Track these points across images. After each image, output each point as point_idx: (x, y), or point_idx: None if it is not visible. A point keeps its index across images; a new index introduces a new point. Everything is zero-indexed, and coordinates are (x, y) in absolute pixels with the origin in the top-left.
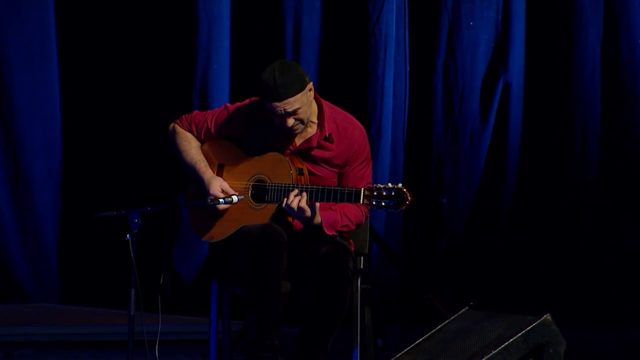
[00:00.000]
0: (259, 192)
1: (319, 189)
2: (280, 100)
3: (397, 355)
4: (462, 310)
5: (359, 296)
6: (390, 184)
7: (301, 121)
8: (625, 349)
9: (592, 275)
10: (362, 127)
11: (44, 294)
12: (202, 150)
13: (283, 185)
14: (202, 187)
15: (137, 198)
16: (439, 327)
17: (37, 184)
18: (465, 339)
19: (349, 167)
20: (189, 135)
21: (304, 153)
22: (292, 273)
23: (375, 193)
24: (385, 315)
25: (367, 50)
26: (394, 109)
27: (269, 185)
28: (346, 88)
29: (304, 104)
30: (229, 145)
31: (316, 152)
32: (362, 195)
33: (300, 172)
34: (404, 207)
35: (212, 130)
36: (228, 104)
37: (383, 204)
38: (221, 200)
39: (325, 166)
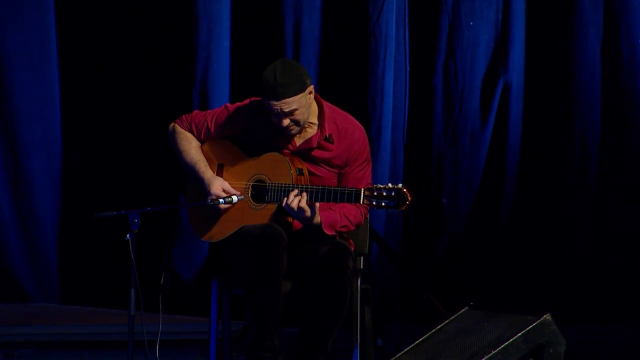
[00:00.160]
0: (259, 192)
1: (319, 189)
2: (278, 99)
3: (397, 355)
4: (462, 310)
5: (359, 296)
6: (390, 184)
7: (297, 123)
8: (625, 349)
9: (592, 275)
10: (362, 127)
11: (44, 294)
12: (202, 150)
13: (283, 185)
14: (202, 187)
15: (137, 198)
16: (439, 327)
17: (37, 184)
18: (465, 339)
19: (348, 167)
20: (189, 135)
21: (304, 153)
22: (292, 273)
23: (375, 193)
24: (385, 315)
25: (367, 50)
26: (394, 109)
27: (269, 186)
28: (346, 88)
29: (302, 106)
30: (229, 145)
31: (316, 153)
32: (362, 196)
33: (300, 172)
34: (404, 207)
35: (212, 130)
36: (228, 104)
37: (383, 204)
38: (221, 200)
39: (325, 167)
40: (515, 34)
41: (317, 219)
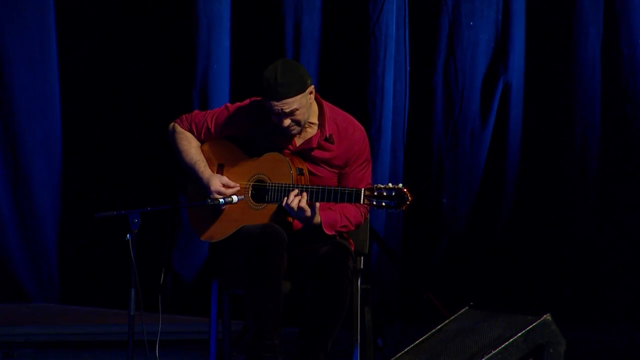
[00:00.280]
0: (259, 192)
1: (319, 189)
2: (279, 99)
3: (397, 355)
4: (462, 310)
5: (359, 296)
6: (390, 184)
7: (298, 123)
8: (625, 349)
9: (592, 275)
10: (362, 128)
11: (44, 294)
12: (202, 150)
13: (283, 185)
14: (202, 186)
15: (137, 198)
16: (439, 327)
17: (37, 184)
18: (465, 339)
19: (349, 168)
20: (189, 135)
21: (304, 153)
22: (292, 273)
23: (375, 193)
24: (385, 315)
25: (367, 50)
26: (394, 109)
27: (269, 185)
28: (346, 88)
29: (302, 106)
30: (229, 145)
31: (316, 153)
32: (362, 196)
33: (301, 172)
34: (404, 207)
35: (212, 130)
36: (228, 104)
37: (383, 204)
38: (221, 200)
39: (326, 167)
40: (515, 34)
41: (317, 218)
